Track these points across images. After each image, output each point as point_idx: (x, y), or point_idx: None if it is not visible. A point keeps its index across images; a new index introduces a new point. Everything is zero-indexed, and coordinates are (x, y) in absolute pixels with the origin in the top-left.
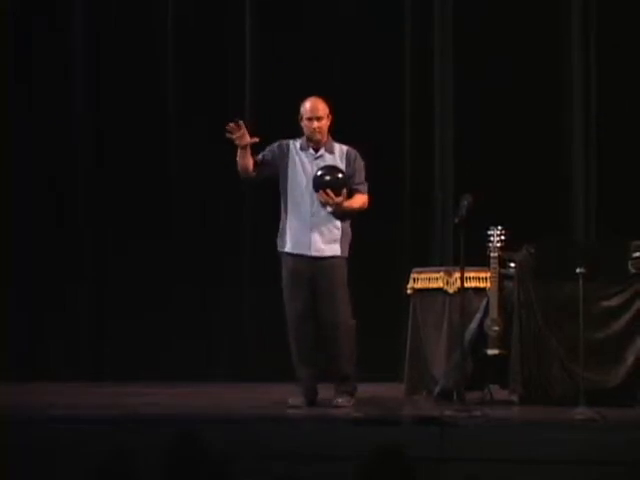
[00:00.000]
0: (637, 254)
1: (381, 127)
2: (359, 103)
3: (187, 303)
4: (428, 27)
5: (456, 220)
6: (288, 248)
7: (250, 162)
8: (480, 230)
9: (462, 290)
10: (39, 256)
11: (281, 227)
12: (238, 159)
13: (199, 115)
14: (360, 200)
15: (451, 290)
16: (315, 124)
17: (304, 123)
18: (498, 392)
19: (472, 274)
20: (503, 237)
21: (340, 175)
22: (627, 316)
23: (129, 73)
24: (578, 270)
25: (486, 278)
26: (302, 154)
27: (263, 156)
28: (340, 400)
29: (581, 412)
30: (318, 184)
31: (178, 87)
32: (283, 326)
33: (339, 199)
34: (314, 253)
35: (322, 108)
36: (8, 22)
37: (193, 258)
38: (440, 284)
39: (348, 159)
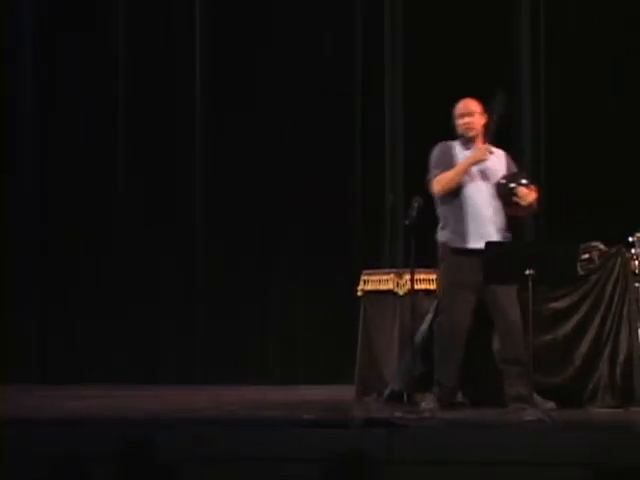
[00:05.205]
0: (586, 256)
1: (331, 128)
2: (310, 103)
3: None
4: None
5: (407, 222)
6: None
7: None
8: (431, 232)
9: (412, 292)
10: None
11: (455, 224)
12: (460, 176)
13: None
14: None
15: (401, 292)
16: (466, 119)
17: (457, 122)
18: None
19: (422, 276)
20: None
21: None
22: (576, 317)
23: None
24: (527, 272)
25: (436, 280)
26: (467, 153)
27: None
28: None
29: (530, 413)
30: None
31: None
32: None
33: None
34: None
35: (473, 105)
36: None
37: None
38: (390, 286)
39: (507, 160)
